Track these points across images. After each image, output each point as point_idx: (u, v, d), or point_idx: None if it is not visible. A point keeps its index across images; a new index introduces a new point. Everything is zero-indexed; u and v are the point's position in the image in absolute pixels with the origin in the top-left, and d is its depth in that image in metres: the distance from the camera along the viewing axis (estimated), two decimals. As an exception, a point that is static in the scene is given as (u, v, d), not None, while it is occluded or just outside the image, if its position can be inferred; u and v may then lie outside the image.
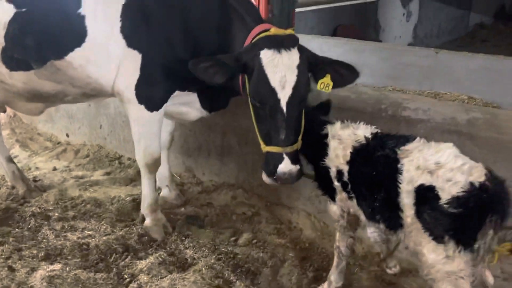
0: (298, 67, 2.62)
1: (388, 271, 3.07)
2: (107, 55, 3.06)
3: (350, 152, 2.45)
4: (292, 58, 2.62)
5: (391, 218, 2.26)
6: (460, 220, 1.99)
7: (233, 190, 3.95)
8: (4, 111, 3.86)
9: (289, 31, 2.74)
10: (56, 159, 4.83)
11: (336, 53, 4.74)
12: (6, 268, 3.02)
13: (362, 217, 2.51)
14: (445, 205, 1.99)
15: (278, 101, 2.61)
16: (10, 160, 4.12)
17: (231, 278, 3.02)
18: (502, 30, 14.14)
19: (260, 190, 3.82)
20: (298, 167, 2.67)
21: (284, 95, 2.60)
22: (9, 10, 3.03)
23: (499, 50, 8.23)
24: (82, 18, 3.01)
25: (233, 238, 3.45)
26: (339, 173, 2.51)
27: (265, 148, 2.75)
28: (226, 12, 2.99)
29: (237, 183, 3.97)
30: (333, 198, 2.67)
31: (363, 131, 2.48)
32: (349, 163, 2.45)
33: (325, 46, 4.39)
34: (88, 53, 3.06)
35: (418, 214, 2.09)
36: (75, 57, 3.06)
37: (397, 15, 12.31)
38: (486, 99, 3.73)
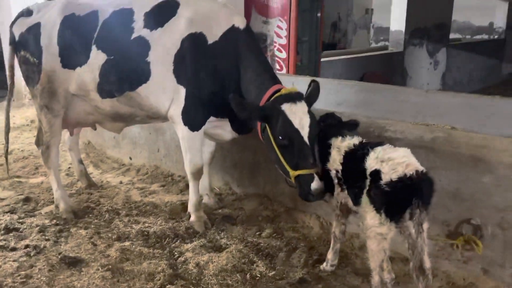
0: (309, 112, 3.54)
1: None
2: (163, 89, 4.15)
3: (343, 155, 3.29)
4: (303, 106, 3.54)
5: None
6: (390, 198, 2.82)
7: (260, 198, 4.89)
8: (95, 129, 5.15)
9: (294, 89, 3.60)
10: (122, 175, 5.98)
11: (349, 92, 5.73)
12: (90, 244, 4.08)
13: (350, 203, 3.34)
14: (383, 185, 2.83)
15: (302, 137, 3.38)
16: (81, 162, 5.53)
17: (254, 258, 3.88)
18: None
19: (281, 198, 4.75)
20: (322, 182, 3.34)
21: (305, 133, 3.39)
22: (103, 57, 4.23)
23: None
24: (148, 63, 4.08)
25: (258, 233, 4.34)
26: (337, 172, 3.35)
27: (295, 173, 3.37)
28: (247, 65, 3.94)
29: (263, 193, 4.90)
30: (332, 193, 3.51)
31: (354, 141, 3.33)
32: (342, 163, 3.30)
33: (339, 87, 5.41)
34: (151, 87, 4.14)
35: (368, 190, 2.95)
36: (142, 90, 4.14)
37: (424, 64, 12.89)
38: (466, 129, 4.56)
